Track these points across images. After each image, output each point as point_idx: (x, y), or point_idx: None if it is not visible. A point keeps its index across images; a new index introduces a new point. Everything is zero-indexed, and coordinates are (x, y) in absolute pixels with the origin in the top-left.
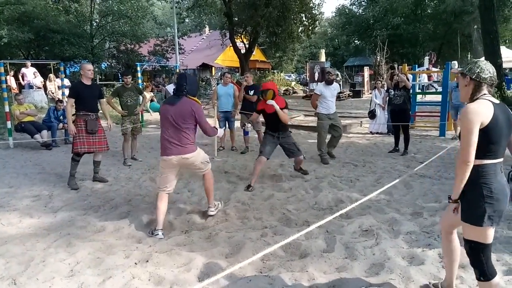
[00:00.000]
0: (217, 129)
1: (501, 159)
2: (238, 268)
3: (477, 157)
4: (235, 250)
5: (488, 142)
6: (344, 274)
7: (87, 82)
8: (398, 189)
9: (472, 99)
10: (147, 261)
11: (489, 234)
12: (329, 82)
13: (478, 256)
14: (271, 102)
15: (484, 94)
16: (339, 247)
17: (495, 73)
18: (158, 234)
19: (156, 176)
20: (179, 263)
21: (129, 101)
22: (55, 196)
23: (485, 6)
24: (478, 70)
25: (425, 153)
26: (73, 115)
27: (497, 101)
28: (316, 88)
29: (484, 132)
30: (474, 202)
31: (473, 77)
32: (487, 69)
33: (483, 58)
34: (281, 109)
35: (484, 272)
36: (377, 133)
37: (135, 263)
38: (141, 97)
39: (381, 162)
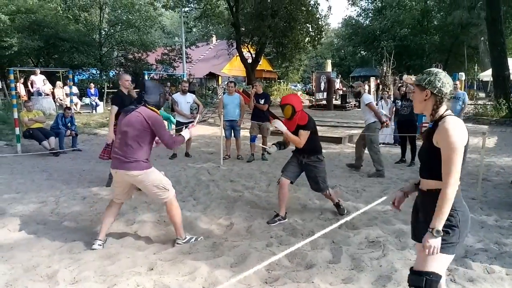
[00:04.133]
0: (181, 136)
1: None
2: (243, 277)
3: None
4: (240, 259)
5: (462, 163)
6: (350, 286)
7: (125, 91)
8: (405, 200)
9: (434, 115)
10: (152, 269)
11: (448, 264)
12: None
13: None
14: (276, 123)
15: (446, 110)
16: (345, 258)
17: (453, 85)
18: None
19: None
20: (184, 272)
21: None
22: (61, 202)
23: (492, 18)
24: (439, 84)
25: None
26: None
27: None
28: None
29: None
30: (448, 229)
31: (435, 92)
32: (448, 82)
33: (440, 70)
34: (300, 127)
35: None
36: (383, 143)
37: (140, 271)
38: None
39: (388, 172)
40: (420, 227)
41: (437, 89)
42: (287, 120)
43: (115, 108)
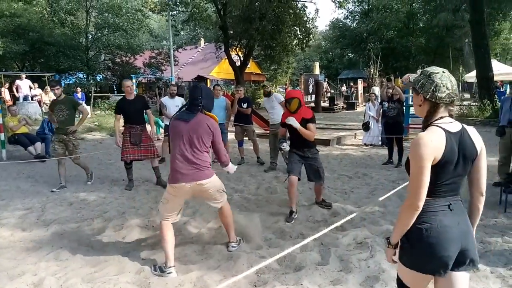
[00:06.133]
0: (230, 162)
1: (450, 196)
2: (232, 281)
3: None
4: (229, 263)
5: (436, 180)
6: (339, 287)
7: (129, 97)
8: (392, 201)
9: (427, 122)
10: (140, 274)
11: (416, 281)
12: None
13: None
14: (290, 120)
15: (440, 117)
16: (333, 259)
17: (455, 86)
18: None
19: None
20: (173, 277)
21: (60, 115)
22: (47, 209)
23: (476, 21)
24: (432, 87)
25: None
26: (122, 126)
27: (456, 128)
28: None
29: (433, 169)
30: (403, 240)
31: (427, 97)
32: (444, 84)
33: (437, 69)
34: (307, 121)
35: None
36: (371, 145)
37: (128, 277)
38: (79, 112)
39: (375, 174)
40: None
41: (429, 93)
42: (291, 114)
43: (117, 117)
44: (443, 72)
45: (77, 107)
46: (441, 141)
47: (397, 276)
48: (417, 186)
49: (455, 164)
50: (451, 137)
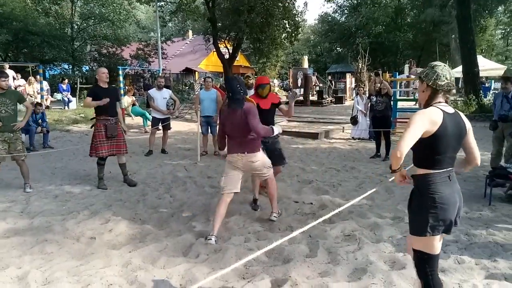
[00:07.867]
0: (272, 129)
1: (449, 168)
2: (220, 274)
3: (423, 166)
4: (217, 255)
5: (434, 152)
6: (326, 279)
7: (104, 85)
8: (380, 194)
9: (428, 105)
10: (127, 267)
11: (434, 244)
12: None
13: (423, 267)
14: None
15: (439, 102)
16: (322, 252)
17: (453, 78)
18: (210, 239)
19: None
20: (161, 269)
21: (3, 111)
22: (32, 201)
23: (462, 17)
24: (434, 76)
25: (406, 158)
26: (92, 119)
27: (451, 111)
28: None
29: (430, 141)
30: (418, 212)
31: (430, 83)
32: (444, 74)
33: (440, 63)
34: (276, 105)
35: (428, 284)
36: (359, 138)
37: (115, 270)
38: (23, 107)
39: (363, 167)
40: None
41: (431, 81)
42: (261, 99)
43: (89, 98)
44: (444, 65)
45: (22, 102)
46: (438, 117)
47: (416, 253)
48: (405, 138)
49: (451, 139)
50: (448, 116)
